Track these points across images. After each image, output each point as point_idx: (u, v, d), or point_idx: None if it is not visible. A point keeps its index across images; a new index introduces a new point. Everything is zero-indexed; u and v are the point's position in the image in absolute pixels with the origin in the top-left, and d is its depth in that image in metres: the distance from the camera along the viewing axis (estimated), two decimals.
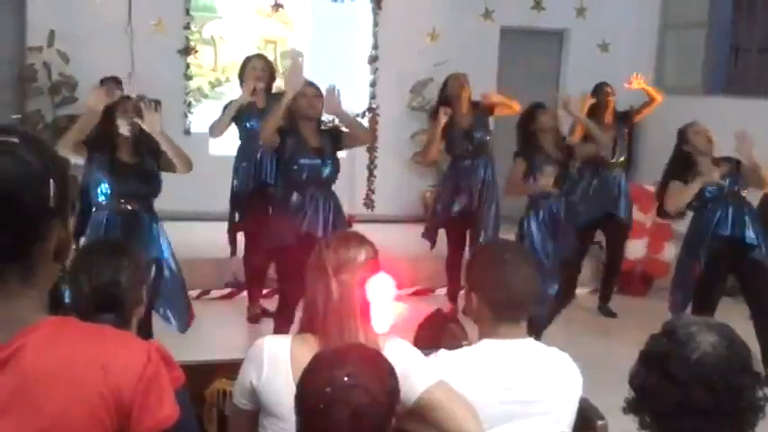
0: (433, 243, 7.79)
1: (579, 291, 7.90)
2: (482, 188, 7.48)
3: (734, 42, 10.27)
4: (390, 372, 2.08)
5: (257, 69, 6.93)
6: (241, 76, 7.03)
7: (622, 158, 7.91)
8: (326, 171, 6.14)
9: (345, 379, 1.95)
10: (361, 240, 2.73)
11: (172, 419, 1.83)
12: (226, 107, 6.96)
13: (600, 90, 7.86)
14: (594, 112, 7.63)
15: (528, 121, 6.61)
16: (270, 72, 7.05)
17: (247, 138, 6.94)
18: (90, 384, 1.73)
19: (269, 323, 6.78)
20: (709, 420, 1.90)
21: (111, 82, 7.07)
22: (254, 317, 7.27)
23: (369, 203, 10.38)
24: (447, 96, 7.51)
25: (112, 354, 1.77)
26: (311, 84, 6.17)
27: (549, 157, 6.49)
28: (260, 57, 7.33)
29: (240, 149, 7.07)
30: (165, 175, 8.05)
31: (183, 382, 1.94)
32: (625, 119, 8.00)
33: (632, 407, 2.00)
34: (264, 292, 7.48)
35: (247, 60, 7.10)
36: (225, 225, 7.19)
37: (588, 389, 2.93)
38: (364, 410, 1.94)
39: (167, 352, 1.89)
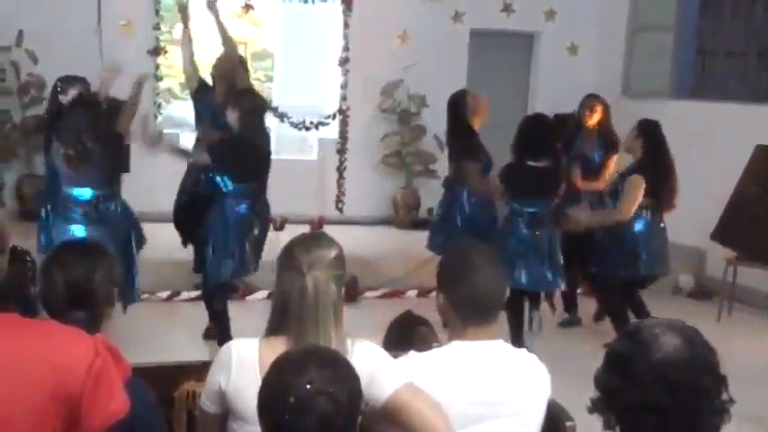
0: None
1: None
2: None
3: (701, 46, 10.36)
4: (350, 371, 2.07)
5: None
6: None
7: None
8: None
9: (308, 387, 1.94)
10: (329, 239, 2.78)
11: (123, 411, 1.83)
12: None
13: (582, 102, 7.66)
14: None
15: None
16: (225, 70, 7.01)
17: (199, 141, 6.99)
18: (38, 380, 1.72)
19: (239, 324, 6.77)
20: (670, 421, 1.92)
21: (80, 85, 6.80)
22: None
23: (340, 205, 10.38)
24: (466, 115, 7.19)
25: (60, 349, 1.76)
26: None
27: None
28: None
29: (194, 153, 7.08)
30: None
31: (131, 372, 1.93)
32: (605, 145, 7.61)
33: (597, 407, 2.02)
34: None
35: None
36: None
37: (558, 390, 2.96)
38: (331, 416, 1.93)
39: (113, 345, 1.88)
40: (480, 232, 6.86)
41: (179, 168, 7.22)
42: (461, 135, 7.22)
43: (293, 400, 1.93)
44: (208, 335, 6.69)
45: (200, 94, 7.12)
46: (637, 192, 6.50)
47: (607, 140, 7.58)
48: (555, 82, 10.51)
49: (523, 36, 11.06)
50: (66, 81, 6.65)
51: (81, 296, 2.64)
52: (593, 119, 7.51)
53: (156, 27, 9.72)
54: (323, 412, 1.92)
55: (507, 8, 10.61)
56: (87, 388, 1.78)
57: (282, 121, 10.11)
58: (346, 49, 10.28)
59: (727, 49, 10.10)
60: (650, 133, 6.59)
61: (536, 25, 10.91)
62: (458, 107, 7.24)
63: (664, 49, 10.41)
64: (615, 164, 7.58)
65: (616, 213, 6.62)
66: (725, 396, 1.97)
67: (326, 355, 2.13)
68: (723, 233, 8.09)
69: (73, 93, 6.53)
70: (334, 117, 10.37)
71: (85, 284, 2.66)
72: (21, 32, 8.97)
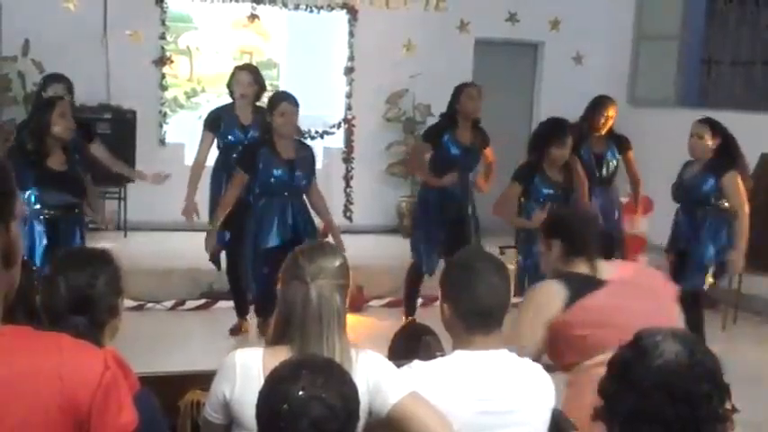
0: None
1: None
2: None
3: (706, 55, 10.37)
4: (345, 378, 2.10)
5: (243, 84, 6.81)
6: (229, 86, 6.94)
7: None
8: (297, 182, 6.39)
9: (300, 393, 1.97)
10: (333, 248, 2.80)
11: (132, 425, 1.83)
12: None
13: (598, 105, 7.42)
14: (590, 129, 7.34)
15: (541, 146, 6.42)
16: (257, 85, 6.87)
17: (226, 150, 6.91)
18: (47, 394, 1.72)
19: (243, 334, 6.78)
20: (668, 429, 1.92)
21: (62, 84, 6.82)
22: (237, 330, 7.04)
23: (348, 214, 10.39)
24: (456, 111, 7.14)
25: (70, 362, 1.76)
26: (292, 102, 6.23)
27: (550, 183, 6.42)
28: (246, 70, 7.04)
29: (218, 161, 7.03)
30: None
31: (140, 386, 1.94)
32: (618, 144, 7.52)
33: (599, 414, 2.02)
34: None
35: (234, 72, 6.96)
36: (199, 235, 7.11)
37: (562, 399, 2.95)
38: (324, 421, 1.96)
39: (122, 358, 1.89)
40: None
41: (184, 178, 7.21)
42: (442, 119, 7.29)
43: (287, 407, 1.97)
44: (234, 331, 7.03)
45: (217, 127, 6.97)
46: (742, 188, 6.40)
47: (618, 139, 7.48)
48: (560, 91, 10.50)
49: (528, 45, 11.07)
50: (51, 78, 6.99)
51: (82, 301, 2.65)
52: (609, 124, 7.35)
53: (162, 37, 9.75)
54: (316, 417, 1.95)
55: (512, 18, 10.62)
56: (97, 402, 1.78)
57: None
58: (352, 58, 10.30)
59: (733, 57, 10.11)
60: (727, 135, 6.40)
61: (541, 35, 10.92)
62: (453, 97, 7.21)
63: (669, 58, 10.42)
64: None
65: (744, 219, 6.39)
66: (727, 405, 1.97)
67: (320, 363, 2.16)
68: None
69: (53, 90, 6.67)
70: (339, 126, 10.39)
71: (87, 290, 2.67)
72: (27, 42, 9.00)
